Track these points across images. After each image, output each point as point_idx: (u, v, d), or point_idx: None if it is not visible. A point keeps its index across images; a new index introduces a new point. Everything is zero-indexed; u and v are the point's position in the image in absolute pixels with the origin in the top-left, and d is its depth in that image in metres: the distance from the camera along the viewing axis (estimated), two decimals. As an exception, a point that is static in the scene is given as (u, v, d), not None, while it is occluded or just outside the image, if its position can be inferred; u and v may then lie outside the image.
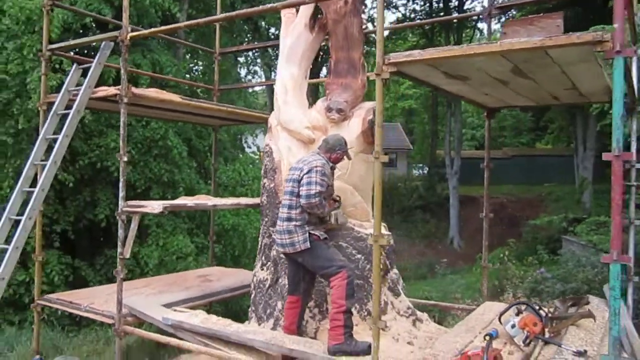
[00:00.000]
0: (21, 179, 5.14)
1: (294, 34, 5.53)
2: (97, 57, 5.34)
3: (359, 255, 4.88)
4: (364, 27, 5.51)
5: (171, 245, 10.90)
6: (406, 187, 25.78)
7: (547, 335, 4.35)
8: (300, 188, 4.28)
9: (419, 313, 5.29)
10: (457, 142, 23.23)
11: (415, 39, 25.42)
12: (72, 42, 6.19)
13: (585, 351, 3.82)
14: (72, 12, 8.82)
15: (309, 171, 4.30)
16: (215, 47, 8.00)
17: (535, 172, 26.25)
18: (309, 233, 4.29)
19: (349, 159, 4.67)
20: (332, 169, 4.58)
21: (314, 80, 6.45)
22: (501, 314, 4.73)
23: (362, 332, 4.73)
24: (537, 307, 4.64)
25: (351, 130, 5.15)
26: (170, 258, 10.87)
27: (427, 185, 25.84)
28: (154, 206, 4.93)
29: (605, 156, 3.09)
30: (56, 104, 5.39)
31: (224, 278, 6.85)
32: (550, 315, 4.61)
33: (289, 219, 4.34)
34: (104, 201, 10.72)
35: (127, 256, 5.04)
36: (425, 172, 28.15)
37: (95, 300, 5.59)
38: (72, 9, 8.05)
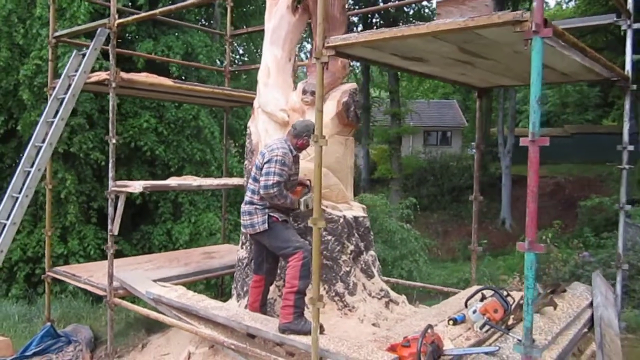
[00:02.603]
0: (23, 159, 5.55)
1: (277, 17, 5.57)
2: (92, 43, 5.62)
3: (329, 237, 4.93)
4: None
5: (201, 222, 11.34)
6: (458, 166, 25.20)
7: (511, 322, 4.27)
8: (260, 178, 4.36)
9: (394, 295, 5.30)
10: (511, 120, 22.37)
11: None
12: (72, 29, 6.51)
13: (533, 340, 3.71)
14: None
15: (268, 160, 4.33)
16: (227, 29, 8.14)
17: (598, 151, 24.84)
18: (268, 215, 4.38)
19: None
20: (296, 156, 4.59)
21: (304, 63, 6.46)
22: (468, 299, 4.67)
23: (329, 312, 4.83)
24: (504, 294, 4.53)
25: (326, 112, 5.14)
26: (200, 235, 11.34)
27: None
28: (136, 186, 5.19)
29: (523, 141, 2.99)
30: (56, 88, 5.75)
31: (227, 256, 7.09)
32: (518, 302, 4.50)
33: (251, 202, 4.45)
34: (139, 179, 11.22)
35: (116, 233, 5.35)
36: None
37: (96, 274, 5.99)
38: None
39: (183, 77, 12.23)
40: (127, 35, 11.63)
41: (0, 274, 9.63)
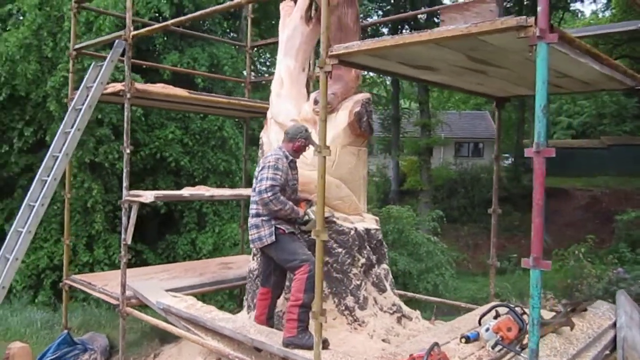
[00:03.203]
0: (41, 168, 5.64)
1: (290, 27, 5.55)
2: (109, 55, 5.70)
3: (339, 249, 4.82)
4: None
5: (225, 232, 11.37)
6: (489, 178, 24.69)
7: (526, 341, 4.08)
8: (255, 186, 4.33)
9: (407, 310, 5.15)
10: (544, 130, 21.77)
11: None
12: (91, 41, 6.63)
13: (545, 362, 3.54)
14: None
15: (262, 168, 4.34)
16: (247, 41, 8.18)
17: (636, 163, 24.04)
18: (275, 227, 4.32)
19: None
20: (293, 162, 4.54)
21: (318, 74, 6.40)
22: (482, 316, 4.49)
23: (339, 327, 4.73)
24: (520, 311, 4.34)
25: (338, 123, 5.10)
26: (224, 245, 11.38)
27: (512, 176, 24.54)
28: (147, 196, 5.21)
29: (527, 152, 2.86)
30: (75, 99, 5.85)
31: (244, 266, 7.01)
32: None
33: (257, 215, 4.40)
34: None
35: (129, 242, 5.38)
36: (511, 162, 26.74)
37: (111, 283, 6.03)
38: (96, 9, 8.58)
39: (209, 88, 12.38)
40: (154, 47, 11.84)
41: (28, 281, 9.84)
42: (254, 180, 4.49)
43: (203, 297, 9.87)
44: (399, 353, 4.02)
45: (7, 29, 9.59)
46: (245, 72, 12.99)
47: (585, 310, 4.59)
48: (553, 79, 4.44)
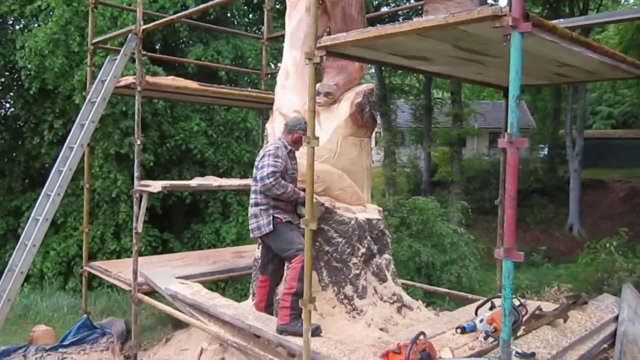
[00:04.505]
0: (58, 159, 5.88)
1: (296, 19, 5.60)
2: (123, 49, 5.86)
3: (339, 239, 4.86)
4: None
5: (247, 221, 11.53)
6: (523, 170, 24.18)
7: (521, 333, 4.06)
8: (257, 174, 4.42)
9: (408, 300, 5.16)
10: (580, 121, 21.18)
11: (537, 10, 23.46)
12: (106, 36, 6.82)
13: (533, 354, 3.52)
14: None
15: (262, 156, 4.44)
16: (263, 33, 8.26)
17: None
18: (273, 216, 4.41)
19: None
20: (292, 152, 4.61)
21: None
22: (477, 307, 4.48)
23: (338, 315, 4.79)
24: (516, 303, 4.31)
25: (340, 113, 5.14)
26: (247, 234, 11.55)
27: (547, 168, 23.98)
28: (156, 186, 5.37)
29: (501, 143, 2.85)
30: (90, 92, 6.06)
31: (257, 255, 7.18)
32: (533, 312, 4.26)
33: (256, 204, 4.50)
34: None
35: (140, 230, 5.57)
36: (546, 153, 26.10)
37: (126, 270, 6.25)
38: (112, 4, 8.78)
39: (234, 80, 12.55)
40: (180, 40, 12.07)
41: (59, 267, 10.25)
42: (254, 170, 4.58)
43: (225, 285, 10.13)
44: (392, 342, 4.05)
45: (38, 24, 9.96)
46: (273, 64, 13.17)
47: (586, 303, 4.51)
48: (555, 68, 4.38)
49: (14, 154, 11.67)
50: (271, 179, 4.28)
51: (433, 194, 23.46)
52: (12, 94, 11.70)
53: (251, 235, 4.65)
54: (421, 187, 25.40)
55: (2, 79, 11.71)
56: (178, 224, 12.39)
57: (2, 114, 12.07)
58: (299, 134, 4.52)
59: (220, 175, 11.08)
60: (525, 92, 32.33)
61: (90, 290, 9.52)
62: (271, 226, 4.40)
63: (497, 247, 5.97)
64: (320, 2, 5.56)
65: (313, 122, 3.71)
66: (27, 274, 10.59)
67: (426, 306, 8.59)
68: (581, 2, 20.77)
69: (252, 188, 4.57)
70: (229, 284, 10.24)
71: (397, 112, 24.69)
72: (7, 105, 12.04)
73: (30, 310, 8.39)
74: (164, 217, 11.91)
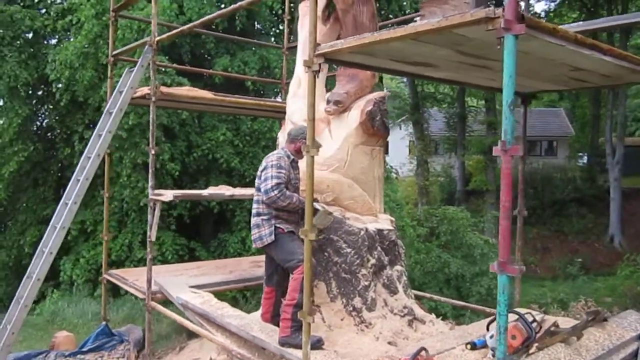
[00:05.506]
0: (77, 169, 6.00)
1: (307, 27, 5.55)
2: (140, 60, 5.96)
3: (348, 249, 4.78)
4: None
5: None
6: (562, 178, 23.48)
7: (533, 350, 3.88)
8: (260, 186, 4.38)
9: (420, 313, 5.01)
10: (620, 127, 20.42)
11: (574, 15, 22.89)
12: (124, 48, 6.94)
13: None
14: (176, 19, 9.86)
15: (265, 167, 4.41)
16: (283, 43, 8.28)
17: None
18: (275, 226, 4.36)
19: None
20: (294, 161, 4.56)
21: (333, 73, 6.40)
22: (489, 322, 4.30)
23: (346, 327, 4.69)
24: (530, 319, 4.12)
25: (350, 122, 5.07)
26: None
27: (586, 176, 23.19)
28: (168, 195, 5.41)
29: (495, 151, 2.73)
30: (108, 103, 6.18)
31: (275, 265, 7.13)
32: (548, 329, 4.07)
33: (258, 214, 4.47)
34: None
35: (153, 239, 5.60)
36: (585, 161, 25.27)
37: (142, 278, 6.29)
38: (131, 17, 8.95)
39: (260, 90, 12.64)
40: (207, 52, 12.23)
41: (88, 275, 10.46)
42: (257, 180, 4.55)
43: (245, 295, 10.13)
44: (394, 356, 3.94)
45: (69, 39, 10.26)
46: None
47: (606, 320, 4.28)
48: (569, 72, 4.20)
49: (48, 164, 12.03)
50: (276, 192, 4.24)
51: (467, 203, 23.02)
52: (46, 106, 12.09)
53: (254, 245, 4.62)
54: (455, 196, 24.96)
55: (38, 92, 12.13)
56: (206, 232, 12.50)
57: (38, 125, 12.48)
58: (301, 142, 4.46)
59: (247, 185, 11.16)
60: (564, 99, 31.58)
61: (116, 298, 9.70)
62: (273, 236, 4.36)
63: (516, 260, 5.80)
64: (332, 10, 5.54)
65: (312, 131, 3.66)
66: (58, 281, 10.95)
67: (454, 319, 8.36)
68: (620, 5, 20.09)
69: (255, 198, 4.54)
70: (252, 293, 10.24)
71: (429, 120, 24.39)
72: (42, 117, 12.44)
73: (57, 316, 8.59)
74: (191, 225, 12.04)
